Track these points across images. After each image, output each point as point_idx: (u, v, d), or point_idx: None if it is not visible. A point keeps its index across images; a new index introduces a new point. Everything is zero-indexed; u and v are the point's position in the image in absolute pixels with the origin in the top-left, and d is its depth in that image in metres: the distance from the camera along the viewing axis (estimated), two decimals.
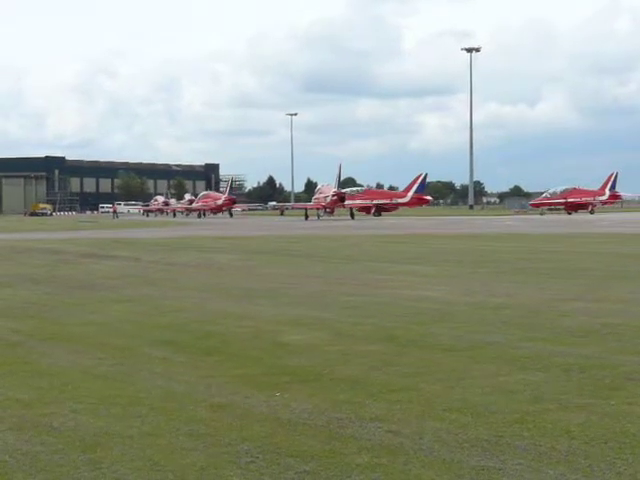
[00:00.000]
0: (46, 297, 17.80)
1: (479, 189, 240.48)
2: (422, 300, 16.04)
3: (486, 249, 32.57)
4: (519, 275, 21.03)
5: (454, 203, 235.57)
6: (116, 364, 10.21)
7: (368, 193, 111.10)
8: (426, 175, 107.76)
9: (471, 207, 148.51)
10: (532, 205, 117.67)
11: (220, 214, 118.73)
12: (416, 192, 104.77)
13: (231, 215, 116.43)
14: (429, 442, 6.80)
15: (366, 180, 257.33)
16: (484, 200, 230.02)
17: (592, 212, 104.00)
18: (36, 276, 22.99)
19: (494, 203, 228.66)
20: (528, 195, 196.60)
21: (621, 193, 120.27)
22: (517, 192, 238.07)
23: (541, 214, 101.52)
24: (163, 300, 16.75)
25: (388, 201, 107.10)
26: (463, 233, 48.71)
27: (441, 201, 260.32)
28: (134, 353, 10.94)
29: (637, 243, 34.98)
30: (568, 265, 23.93)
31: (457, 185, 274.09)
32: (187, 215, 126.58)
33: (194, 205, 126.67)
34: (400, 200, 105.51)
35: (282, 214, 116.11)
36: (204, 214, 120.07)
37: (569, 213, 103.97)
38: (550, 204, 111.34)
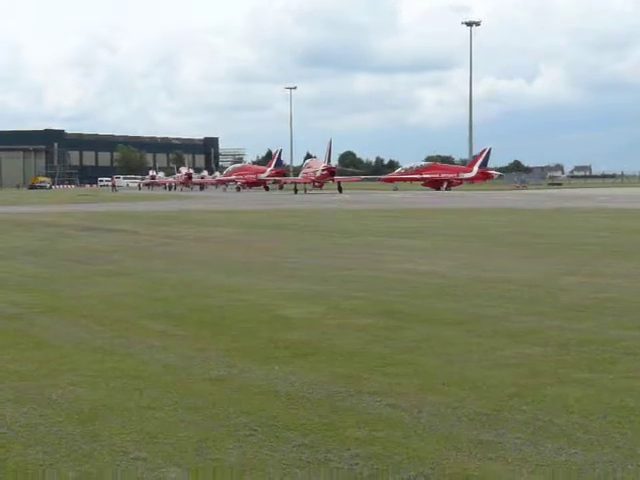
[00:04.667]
0: (45, 270, 17.79)
1: None
2: (421, 274, 16.04)
3: (484, 224, 32.58)
4: (517, 249, 21.03)
5: None
6: (115, 337, 10.20)
7: (244, 169, 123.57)
8: (281, 151, 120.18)
9: None
10: (384, 180, 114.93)
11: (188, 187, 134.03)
12: (275, 167, 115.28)
13: (201, 189, 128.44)
14: (428, 416, 6.80)
15: (365, 154, 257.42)
16: None
17: (448, 189, 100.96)
18: (35, 249, 22.98)
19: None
20: (528, 170, 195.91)
21: (492, 172, 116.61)
22: (516, 167, 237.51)
23: (394, 190, 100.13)
24: (162, 273, 16.74)
25: (253, 177, 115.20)
26: (461, 207, 48.69)
27: None
28: (133, 326, 10.93)
29: (632, 218, 34.96)
30: (566, 240, 23.92)
31: (456, 160, 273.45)
32: (182, 189, 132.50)
33: (161, 180, 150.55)
34: (262, 175, 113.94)
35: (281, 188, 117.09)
36: (173, 188, 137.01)
37: (437, 189, 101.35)
38: (404, 179, 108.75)
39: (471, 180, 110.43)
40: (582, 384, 7.71)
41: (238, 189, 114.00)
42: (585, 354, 8.96)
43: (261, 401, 7.27)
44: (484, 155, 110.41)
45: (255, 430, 6.49)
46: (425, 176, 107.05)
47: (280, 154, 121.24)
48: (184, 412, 6.98)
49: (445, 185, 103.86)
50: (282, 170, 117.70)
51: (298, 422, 6.68)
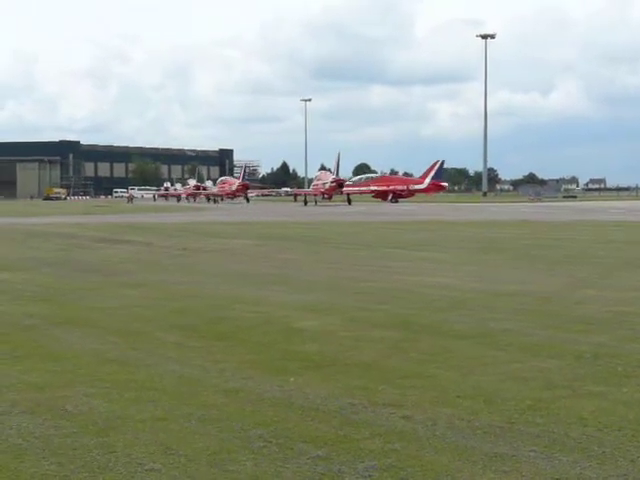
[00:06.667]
0: (60, 281, 17.83)
1: (493, 176, 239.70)
2: (435, 287, 16.02)
3: (499, 236, 32.52)
4: (532, 262, 20.99)
5: (468, 190, 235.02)
6: (129, 349, 10.23)
7: (225, 182, 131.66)
8: (245, 166, 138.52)
9: (485, 194, 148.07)
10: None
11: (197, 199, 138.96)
12: (242, 180, 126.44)
13: (208, 201, 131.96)
14: (442, 428, 6.79)
15: (380, 166, 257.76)
16: (498, 187, 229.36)
17: (395, 201, 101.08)
18: (51, 260, 23.04)
19: (508, 190, 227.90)
20: (543, 182, 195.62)
21: (444, 183, 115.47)
22: (531, 179, 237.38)
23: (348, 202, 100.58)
24: (176, 285, 16.77)
25: (229, 188, 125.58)
26: (476, 220, 48.60)
27: (455, 187, 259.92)
28: (147, 338, 10.95)
29: None
30: (581, 252, 23.87)
31: (471, 172, 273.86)
32: (190, 200, 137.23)
33: (175, 192, 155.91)
34: (232, 187, 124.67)
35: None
36: (192, 199, 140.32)
37: (393, 201, 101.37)
38: (354, 192, 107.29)
39: (423, 191, 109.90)
40: (597, 397, 7.69)
41: (215, 201, 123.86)
42: (600, 367, 8.93)
43: (276, 413, 7.27)
44: (437, 167, 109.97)
45: (269, 442, 6.49)
46: (372, 188, 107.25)
47: (245, 169, 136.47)
48: (198, 424, 6.99)
49: (390, 197, 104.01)
50: (246, 184, 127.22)
51: (312, 434, 6.68)
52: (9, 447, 6.47)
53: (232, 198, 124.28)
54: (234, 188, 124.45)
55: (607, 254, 23.17)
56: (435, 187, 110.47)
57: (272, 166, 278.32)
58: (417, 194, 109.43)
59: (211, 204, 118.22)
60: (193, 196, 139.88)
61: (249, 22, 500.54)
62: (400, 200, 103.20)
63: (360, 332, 11.16)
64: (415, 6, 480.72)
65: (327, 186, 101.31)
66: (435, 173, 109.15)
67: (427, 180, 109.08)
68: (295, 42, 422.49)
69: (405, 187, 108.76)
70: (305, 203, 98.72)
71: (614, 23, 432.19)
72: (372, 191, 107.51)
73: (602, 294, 14.76)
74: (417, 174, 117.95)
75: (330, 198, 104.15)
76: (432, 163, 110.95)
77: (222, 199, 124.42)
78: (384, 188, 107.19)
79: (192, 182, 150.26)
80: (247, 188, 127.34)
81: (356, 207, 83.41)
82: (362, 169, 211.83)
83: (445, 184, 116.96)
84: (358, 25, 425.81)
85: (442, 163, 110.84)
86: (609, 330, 11.13)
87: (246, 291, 15.66)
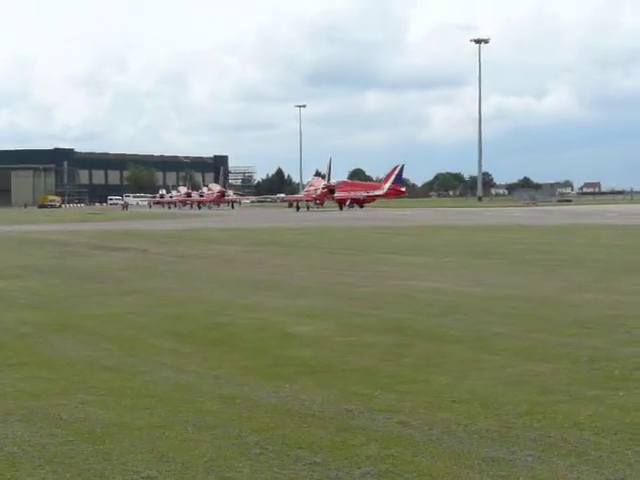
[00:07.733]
0: (55, 288, 17.81)
1: (488, 180, 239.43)
2: (430, 292, 16.02)
3: (493, 240, 32.52)
4: (526, 266, 20.99)
5: (463, 194, 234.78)
6: (125, 356, 10.21)
7: (210, 189, 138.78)
8: (225, 172, 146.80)
9: (480, 199, 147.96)
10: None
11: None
12: (222, 187, 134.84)
13: (199, 207, 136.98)
14: (438, 433, 6.78)
15: (375, 172, 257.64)
16: (493, 192, 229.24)
17: (356, 207, 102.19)
18: (45, 267, 23.01)
19: (502, 195, 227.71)
20: (537, 186, 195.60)
21: (403, 188, 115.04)
22: (526, 183, 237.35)
23: (308, 208, 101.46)
24: (171, 292, 16.75)
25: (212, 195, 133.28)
26: (470, 225, 48.58)
27: (450, 192, 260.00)
28: (142, 345, 10.93)
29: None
30: (576, 256, 23.87)
31: (466, 176, 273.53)
32: (179, 208, 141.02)
33: (170, 199, 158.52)
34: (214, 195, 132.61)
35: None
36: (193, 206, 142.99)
37: (351, 207, 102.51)
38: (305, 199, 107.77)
39: (382, 197, 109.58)
40: (593, 401, 7.68)
41: (199, 207, 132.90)
42: (596, 371, 8.93)
43: (272, 419, 7.26)
44: (397, 172, 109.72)
45: (266, 448, 6.48)
46: (339, 195, 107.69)
47: (223, 175, 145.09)
48: (194, 431, 6.97)
49: (348, 202, 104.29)
50: (223, 190, 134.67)
51: (309, 440, 6.67)
52: (4, 456, 6.45)
53: (213, 205, 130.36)
54: (214, 195, 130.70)
55: (602, 258, 23.17)
56: (394, 192, 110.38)
57: (267, 172, 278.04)
58: (378, 199, 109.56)
59: (201, 210, 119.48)
60: (186, 203, 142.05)
61: (243, 29, 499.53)
62: (370, 205, 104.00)
63: (355, 337, 11.15)
64: (409, 11, 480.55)
65: (319, 192, 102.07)
66: (395, 178, 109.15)
67: (386, 185, 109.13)
68: (289, 48, 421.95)
69: (366, 192, 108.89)
70: (297, 209, 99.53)
71: (607, 27, 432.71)
72: (333, 197, 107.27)
73: (597, 297, 14.76)
74: (412, 179, 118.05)
75: (322, 204, 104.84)
76: (392, 168, 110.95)
77: (204, 206, 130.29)
78: (343, 194, 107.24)
79: (183, 189, 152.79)
80: (224, 195, 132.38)
81: (347, 213, 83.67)
82: (357, 174, 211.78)
83: (404, 189, 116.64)
84: (352, 30, 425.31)
85: (402, 168, 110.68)
86: (605, 334, 11.13)
87: (241, 297, 15.64)
